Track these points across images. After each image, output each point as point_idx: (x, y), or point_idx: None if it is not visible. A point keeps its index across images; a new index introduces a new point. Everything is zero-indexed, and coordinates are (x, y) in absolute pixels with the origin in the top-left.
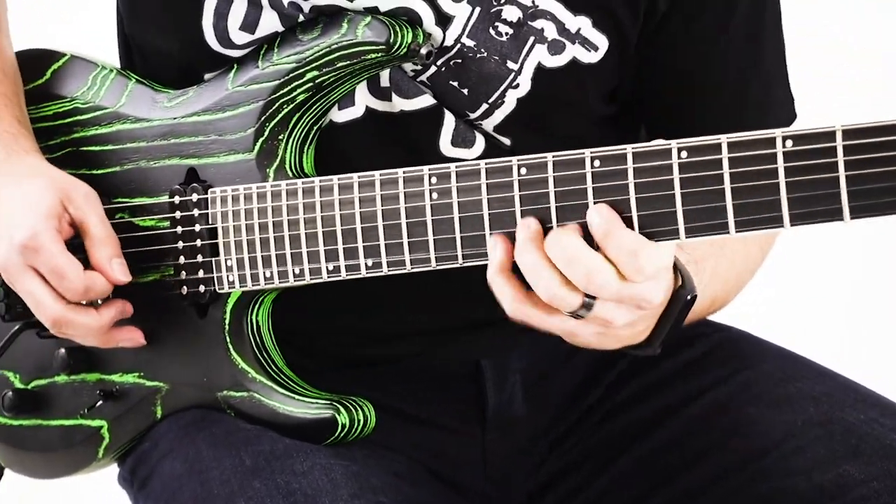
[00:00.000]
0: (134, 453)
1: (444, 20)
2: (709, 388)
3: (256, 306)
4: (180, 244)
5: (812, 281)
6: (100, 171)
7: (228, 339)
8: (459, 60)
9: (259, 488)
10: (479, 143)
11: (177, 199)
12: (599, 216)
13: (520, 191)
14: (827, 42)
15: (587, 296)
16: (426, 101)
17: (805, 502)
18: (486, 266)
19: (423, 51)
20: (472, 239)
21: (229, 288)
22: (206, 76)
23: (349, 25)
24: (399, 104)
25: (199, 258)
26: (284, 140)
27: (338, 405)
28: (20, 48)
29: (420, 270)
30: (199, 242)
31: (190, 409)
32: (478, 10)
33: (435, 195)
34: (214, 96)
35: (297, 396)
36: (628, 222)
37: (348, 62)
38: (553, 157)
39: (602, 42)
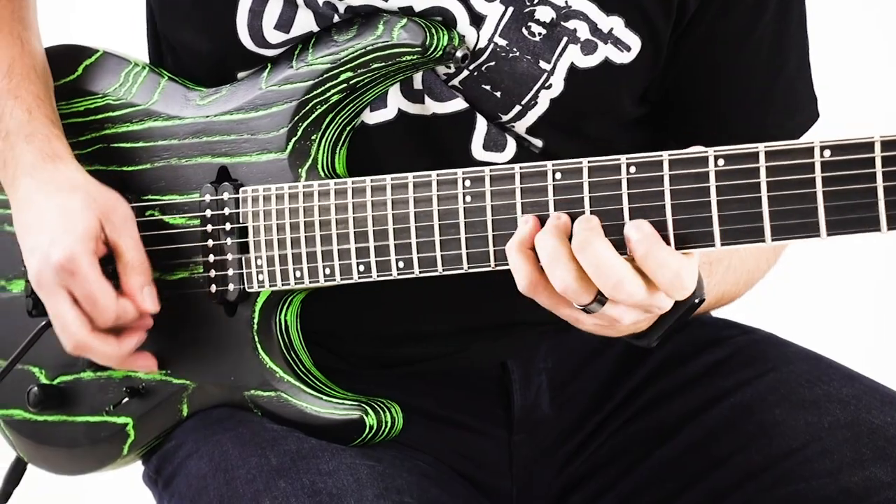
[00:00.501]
0: (159, 451)
1: (476, 20)
2: (735, 390)
3: (285, 306)
4: (210, 242)
5: (839, 283)
6: (130, 168)
7: (256, 339)
8: (492, 63)
9: (284, 488)
10: (511, 147)
11: (208, 198)
12: (640, 233)
13: (554, 195)
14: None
15: (599, 294)
16: (458, 104)
17: None
18: None
19: (459, 53)
20: (504, 242)
21: (258, 287)
22: (240, 75)
23: (385, 27)
24: (431, 107)
25: (229, 256)
26: (317, 140)
27: (366, 406)
28: (48, 45)
29: (451, 273)
30: (229, 241)
31: (216, 407)
32: (511, 9)
33: (468, 198)
34: (247, 95)
35: (324, 397)
36: (663, 227)
37: (383, 64)
38: (588, 162)
39: (635, 42)
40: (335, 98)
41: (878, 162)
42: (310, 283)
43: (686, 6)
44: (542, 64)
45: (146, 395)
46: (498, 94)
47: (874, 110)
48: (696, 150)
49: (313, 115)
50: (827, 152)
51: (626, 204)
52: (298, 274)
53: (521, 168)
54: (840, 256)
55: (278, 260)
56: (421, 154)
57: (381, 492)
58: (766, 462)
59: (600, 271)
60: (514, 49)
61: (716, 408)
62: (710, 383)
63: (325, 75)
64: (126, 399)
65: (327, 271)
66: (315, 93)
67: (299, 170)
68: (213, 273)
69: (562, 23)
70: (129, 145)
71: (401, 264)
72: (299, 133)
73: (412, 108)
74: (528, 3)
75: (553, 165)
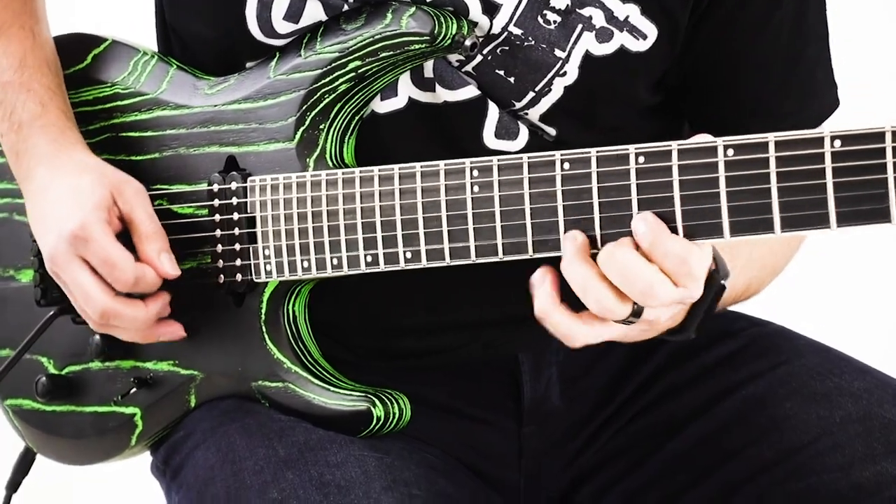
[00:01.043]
0: (167, 442)
1: (491, 9)
2: (746, 383)
3: (293, 296)
4: (218, 232)
5: (851, 276)
6: (139, 158)
7: (264, 329)
8: (507, 48)
9: (292, 479)
10: (523, 135)
11: (216, 187)
12: (645, 224)
13: (562, 185)
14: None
15: (635, 304)
16: (470, 91)
17: (842, 499)
18: (523, 259)
19: (468, 42)
20: (512, 232)
21: (266, 277)
22: (248, 64)
23: (393, 16)
24: (443, 95)
25: (237, 246)
26: (325, 130)
27: (373, 398)
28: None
29: (459, 264)
30: (237, 231)
31: (224, 398)
32: None
33: (476, 188)
34: (256, 84)
35: (332, 388)
36: (671, 218)
37: (392, 53)
38: (597, 152)
39: (651, 30)
40: (343, 87)
41: (889, 152)
42: (317, 273)
43: None
44: (557, 52)
45: (154, 385)
46: (511, 79)
47: (885, 100)
48: (705, 139)
49: (322, 105)
50: (837, 142)
51: (634, 194)
52: (306, 264)
53: (529, 158)
54: (851, 248)
55: (286, 250)
56: (432, 142)
57: (388, 484)
58: (777, 456)
59: (628, 280)
60: (530, 38)
61: (728, 400)
62: (722, 375)
63: (334, 64)
64: (134, 389)
65: (335, 261)
66: (323, 82)
67: (307, 159)
68: (221, 263)
69: (577, 10)
70: (137, 134)
71: (409, 255)
72: (307, 122)
73: (423, 97)
74: None
75: (561, 155)
